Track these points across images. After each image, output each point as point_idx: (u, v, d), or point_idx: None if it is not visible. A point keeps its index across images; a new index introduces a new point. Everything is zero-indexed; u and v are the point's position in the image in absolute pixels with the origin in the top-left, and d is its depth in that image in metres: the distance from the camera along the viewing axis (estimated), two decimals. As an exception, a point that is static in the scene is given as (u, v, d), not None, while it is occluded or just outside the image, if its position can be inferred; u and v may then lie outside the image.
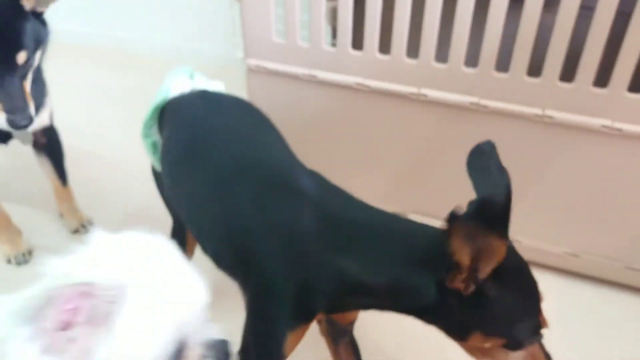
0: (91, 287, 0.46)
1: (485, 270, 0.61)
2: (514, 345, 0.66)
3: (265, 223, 0.72)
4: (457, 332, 0.68)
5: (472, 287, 0.62)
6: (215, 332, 0.57)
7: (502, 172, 0.64)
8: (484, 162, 0.67)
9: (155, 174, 1.01)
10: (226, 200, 0.76)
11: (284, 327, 0.71)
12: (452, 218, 0.57)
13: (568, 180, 1.14)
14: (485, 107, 1.10)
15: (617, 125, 1.04)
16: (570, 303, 1.23)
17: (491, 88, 1.09)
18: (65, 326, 0.45)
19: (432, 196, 1.26)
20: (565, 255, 1.23)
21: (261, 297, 0.69)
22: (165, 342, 0.49)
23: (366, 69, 1.16)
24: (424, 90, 1.13)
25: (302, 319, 0.73)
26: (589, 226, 1.19)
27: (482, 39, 1.04)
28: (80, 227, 1.41)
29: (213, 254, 0.82)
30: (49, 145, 1.31)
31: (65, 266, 0.48)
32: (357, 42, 1.14)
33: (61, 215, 1.43)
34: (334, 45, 1.18)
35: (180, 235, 1.02)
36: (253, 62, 1.24)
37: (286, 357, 0.74)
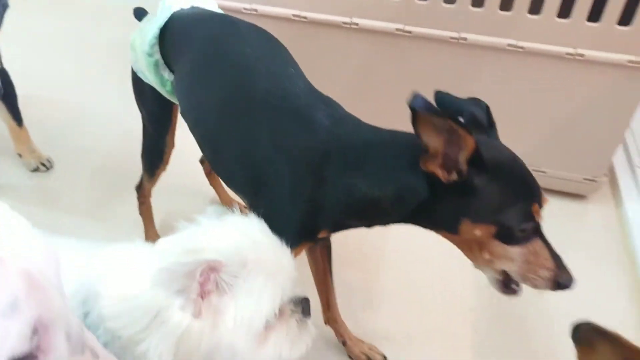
0: (218, 262, 0.56)
1: (462, 159, 0.66)
2: (504, 233, 0.68)
3: (279, 147, 0.77)
4: (448, 223, 0.71)
5: (454, 175, 0.67)
6: (300, 291, 0.67)
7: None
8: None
9: (139, 88, 1.02)
10: (244, 125, 0.80)
11: (287, 244, 0.75)
12: (411, 107, 0.64)
13: (480, 94, 1.30)
14: (409, 32, 1.24)
15: (521, 43, 1.20)
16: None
17: (414, 15, 1.22)
18: (204, 295, 0.56)
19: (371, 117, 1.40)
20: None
21: (269, 217, 0.70)
22: (274, 302, 0.59)
23: (303, 0, 1.27)
24: (355, 19, 1.26)
25: (305, 237, 0.81)
26: (505, 132, 1.37)
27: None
28: (40, 166, 1.48)
29: (226, 175, 0.89)
30: (1, 86, 1.35)
31: (190, 244, 0.60)
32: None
33: (20, 155, 1.49)
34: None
35: (158, 152, 1.08)
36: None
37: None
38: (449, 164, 0.67)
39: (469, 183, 0.67)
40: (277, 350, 0.62)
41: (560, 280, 0.69)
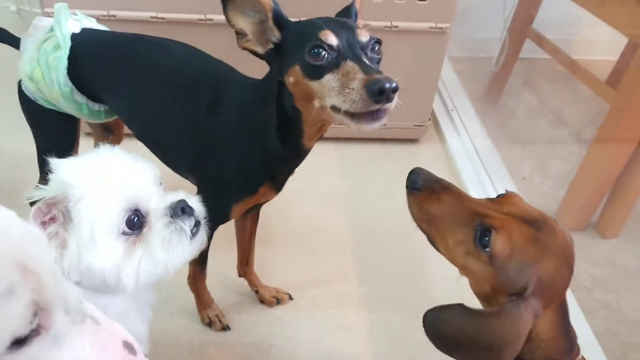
0: (56, 198, 0.61)
1: (270, 25, 0.76)
2: (308, 69, 0.72)
3: (218, 125, 0.89)
4: (280, 73, 0.77)
5: (269, 45, 0.78)
6: (176, 197, 0.69)
7: None
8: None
9: (38, 114, 1.04)
10: (186, 109, 0.92)
11: (230, 202, 0.93)
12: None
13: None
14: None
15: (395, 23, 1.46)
16: (345, 158, 1.70)
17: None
18: (46, 225, 0.61)
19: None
20: (335, 127, 1.68)
21: (214, 183, 0.85)
22: (118, 213, 0.61)
23: (158, 2, 1.39)
24: (209, 16, 1.41)
25: (246, 194, 0.93)
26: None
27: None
28: None
29: (174, 161, 0.99)
30: None
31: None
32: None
33: None
34: (124, -14, 1.37)
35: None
36: (50, 10, 1.36)
37: (232, 219, 0.99)
38: (262, 39, 0.79)
39: (279, 43, 0.77)
40: (146, 259, 0.64)
41: (370, 83, 0.67)
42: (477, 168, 1.66)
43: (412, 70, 1.58)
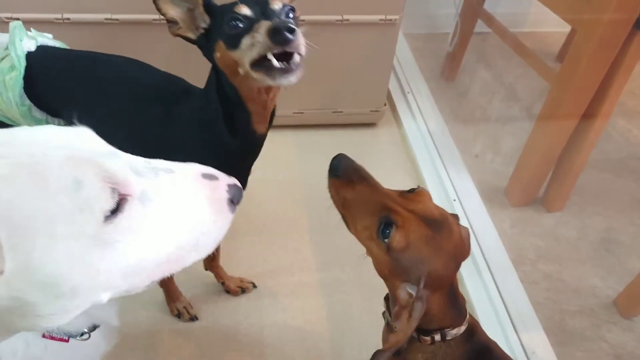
0: None
1: (199, 12, 0.83)
2: (229, 40, 0.79)
3: (170, 133, 0.94)
4: (210, 54, 0.85)
5: (201, 30, 0.84)
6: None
7: None
8: None
9: None
10: (138, 123, 0.97)
11: None
12: None
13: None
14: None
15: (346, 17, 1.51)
16: (304, 146, 1.77)
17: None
18: None
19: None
20: (294, 115, 1.74)
21: None
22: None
23: (110, 4, 1.41)
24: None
25: None
26: (307, 89, 1.69)
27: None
28: None
29: None
30: None
31: None
32: (97, -15, 1.37)
33: None
34: (76, -11, 1.39)
35: None
36: (4, 14, 1.38)
37: None
38: (192, 26, 0.85)
39: (208, 27, 0.84)
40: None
41: (270, 28, 0.73)
42: (430, 150, 1.75)
43: (365, 61, 1.64)
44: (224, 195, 0.55)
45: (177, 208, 0.52)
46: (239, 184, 0.57)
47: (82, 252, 0.45)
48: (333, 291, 1.36)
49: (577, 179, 1.66)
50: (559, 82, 1.52)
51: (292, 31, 0.73)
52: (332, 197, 0.78)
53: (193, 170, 0.55)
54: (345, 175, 0.75)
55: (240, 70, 0.80)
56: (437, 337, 0.74)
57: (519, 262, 1.51)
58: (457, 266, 0.73)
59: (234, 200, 0.56)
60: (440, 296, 0.72)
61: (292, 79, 0.77)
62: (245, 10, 0.79)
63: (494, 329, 1.29)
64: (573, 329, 1.39)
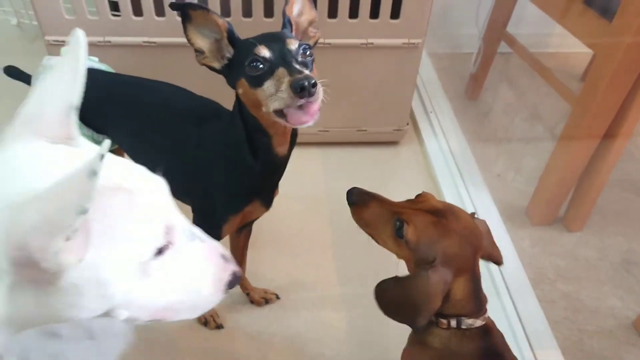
0: None
1: (224, 44, 0.89)
2: (250, 79, 0.84)
3: (202, 154, 1.01)
4: (233, 85, 0.90)
5: (224, 61, 0.90)
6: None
7: None
8: None
9: None
10: (176, 143, 1.05)
11: (220, 222, 1.04)
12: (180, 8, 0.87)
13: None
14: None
15: (328, 41, 1.57)
16: (329, 163, 1.83)
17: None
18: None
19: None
20: (319, 133, 1.81)
21: (204, 206, 0.98)
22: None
23: (146, 28, 1.50)
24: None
25: (233, 213, 1.04)
26: (333, 108, 1.74)
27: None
28: None
29: (172, 187, 1.11)
30: None
31: None
32: (137, 10, 1.46)
33: None
34: (116, 15, 1.48)
35: None
36: (51, 38, 1.48)
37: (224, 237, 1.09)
38: (219, 55, 0.91)
39: (231, 59, 0.89)
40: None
41: (293, 83, 0.78)
42: (452, 168, 1.79)
43: (389, 81, 1.69)
44: (227, 278, 0.65)
45: (193, 271, 0.62)
46: (241, 273, 0.67)
47: (128, 271, 0.54)
48: (354, 306, 1.41)
49: (598, 198, 1.67)
50: (579, 103, 1.55)
51: (314, 86, 0.78)
52: (356, 222, 0.89)
53: (217, 247, 0.65)
54: (359, 200, 0.87)
55: (263, 108, 0.85)
56: (453, 322, 0.81)
57: (538, 281, 1.53)
58: (473, 249, 0.81)
59: (230, 285, 0.65)
60: (464, 282, 0.80)
61: (310, 123, 0.83)
62: (265, 52, 0.83)
63: (510, 346, 1.31)
64: (591, 349, 1.40)
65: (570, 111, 1.61)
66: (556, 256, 1.65)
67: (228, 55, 0.90)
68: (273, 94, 0.82)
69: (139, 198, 0.54)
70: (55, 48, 1.50)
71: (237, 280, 0.66)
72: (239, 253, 1.31)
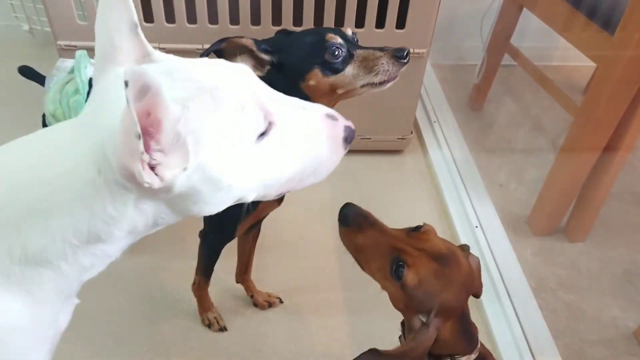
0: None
1: (259, 55, 0.93)
2: (327, 67, 0.89)
3: None
4: (293, 83, 0.92)
5: (267, 66, 0.93)
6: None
7: None
8: None
9: None
10: None
11: (235, 221, 1.04)
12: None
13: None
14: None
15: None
16: (334, 170, 1.84)
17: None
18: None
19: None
20: (324, 140, 1.83)
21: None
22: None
23: (157, 35, 1.53)
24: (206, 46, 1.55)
25: (248, 211, 1.02)
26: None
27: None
28: None
29: None
30: None
31: None
32: (148, 17, 1.49)
33: None
34: (128, 20, 1.51)
35: None
36: (63, 42, 1.51)
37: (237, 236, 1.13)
38: (257, 65, 0.95)
39: (276, 63, 0.93)
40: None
41: (396, 53, 0.90)
42: (455, 178, 1.80)
43: (394, 91, 1.69)
44: (340, 134, 0.66)
45: (305, 139, 0.63)
46: (353, 126, 0.68)
47: (237, 161, 0.56)
48: (356, 310, 1.42)
49: (599, 210, 1.69)
50: (581, 115, 1.57)
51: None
52: (344, 244, 0.84)
53: (320, 110, 0.66)
54: (355, 223, 0.80)
55: (339, 91, 0.91)
56: None
57: (540, 291, 1.54)
58: (467, 295, 0.79)
59: (348, 139, 0.67)
60: (452, 324, 0.77)
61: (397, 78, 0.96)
62: (338, 40, 0.90)
63: (512, 356, 1.32)
64: (592, 358, 1.41)
65: (572, 123, 1.63)
66: (558, 266, 1.66)
67: (268, 59, 0.94)
68: (363, 73, 0.90)
69: (221, 93, 0.54)
70: (67, 52, 1.53)
71: (352, 134, 0.67)
72: (246, 254, 1.32)
